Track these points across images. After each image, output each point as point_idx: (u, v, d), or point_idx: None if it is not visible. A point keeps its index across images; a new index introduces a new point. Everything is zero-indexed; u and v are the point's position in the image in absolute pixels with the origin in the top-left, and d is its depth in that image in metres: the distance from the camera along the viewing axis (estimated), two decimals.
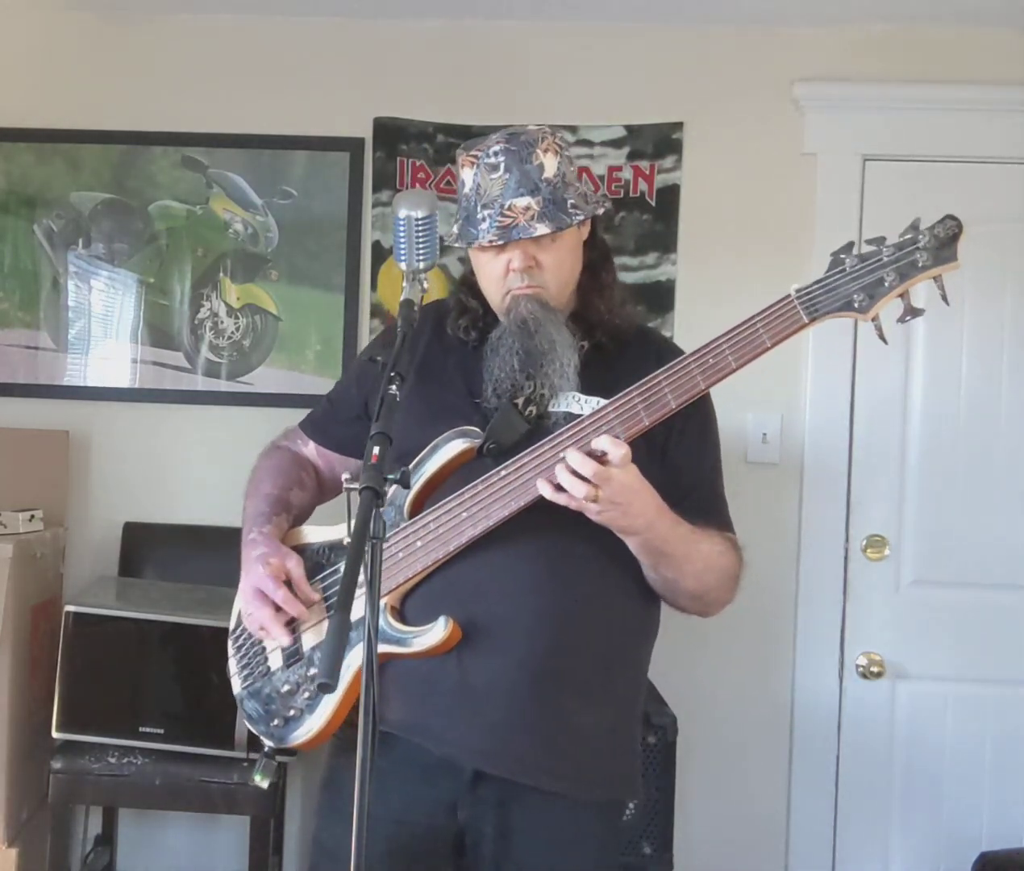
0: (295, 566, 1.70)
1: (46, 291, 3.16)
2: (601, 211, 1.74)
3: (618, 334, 1.75)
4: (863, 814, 3.06)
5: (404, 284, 1.57)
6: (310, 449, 1.93)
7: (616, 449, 1.52)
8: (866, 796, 3.06)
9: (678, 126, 3.09)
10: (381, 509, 1.29)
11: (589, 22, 3.08)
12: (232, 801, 2.63)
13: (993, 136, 3.01)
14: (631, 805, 2.57)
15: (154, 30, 3.15)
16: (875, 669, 3.04)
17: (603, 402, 1.61)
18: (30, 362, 3.15)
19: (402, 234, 1.56)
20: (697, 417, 1.71)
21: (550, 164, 1.68)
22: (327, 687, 1.15)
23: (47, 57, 3.16)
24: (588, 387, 1.67)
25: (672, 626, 2.91)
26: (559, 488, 1.53)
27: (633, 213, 3.09)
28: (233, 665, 1.81)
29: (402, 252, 1.57)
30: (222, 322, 3.16)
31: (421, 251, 1.55)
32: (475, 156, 1.69)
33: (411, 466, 1.64)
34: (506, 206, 1.65)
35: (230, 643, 1.83)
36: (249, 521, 1.80)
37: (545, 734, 1.64)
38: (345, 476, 1.37)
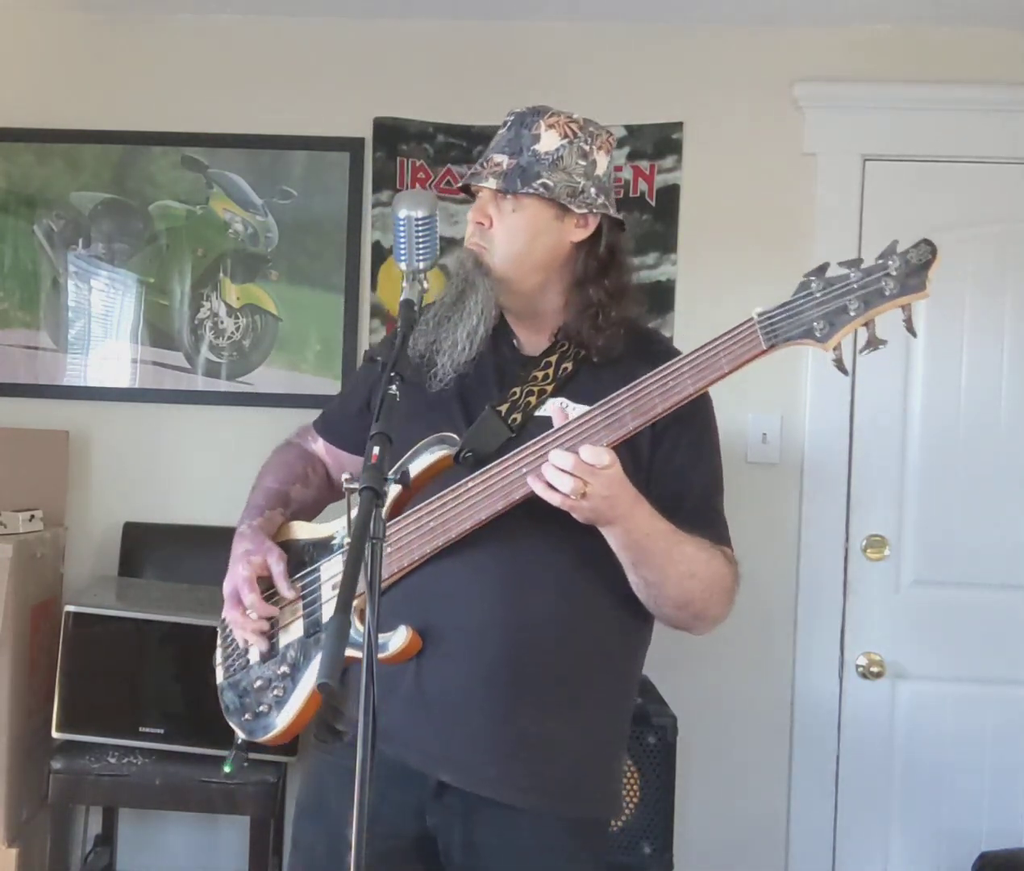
0: (275, 562, 1.70)
1: (46, 291, 3.16)
2: (582, 210, 1.65)
3: (604, 353, 1.68)
4: (863, 814, 3.06)
5: (404, 284, 1.57)
6: (319, 446, 1.93)
7: (594, 456, 1.49)
8: (866, 796, 3.06)
9: (678, 126, 3.09)
10: (381, 509, 1.28)
11: (589, 22, 3.09)
12: (232, 801, 2.63)
13: (993, 136, 3.01)
14: (632, 805, 2.57)
15: (154, 30, 3.15)
16: (875, 669, 3.04)
17: (570, 409, 1.60)
18: (30, 362, 3.16)
19: (402, 234, 1.56)
20: (693, 430, 1.67)
21: (549, 140, 1.66)
22: (326, 687, 1.14)
23: (47, 57, 3.16)
24: (575, 392, 1.65)
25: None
26: (550, 486, 1.51)
27: (633, 213, 3.09)
28: (219, 655, 1.83)
29: (402, 252, 1.56)
30: (222, 322, 3.16)
31: (421, 251, 1.55)
32: (508, 116, 1.74)
33: (392, 470, 1.60)
34: (488, 158, 1.69)
35: (219, 631, 1.85)
36: (245, 513, 1.81)
37: (501, 746, 1.61)
38: (345, 476, 1.37)
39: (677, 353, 1.75)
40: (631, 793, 2.62)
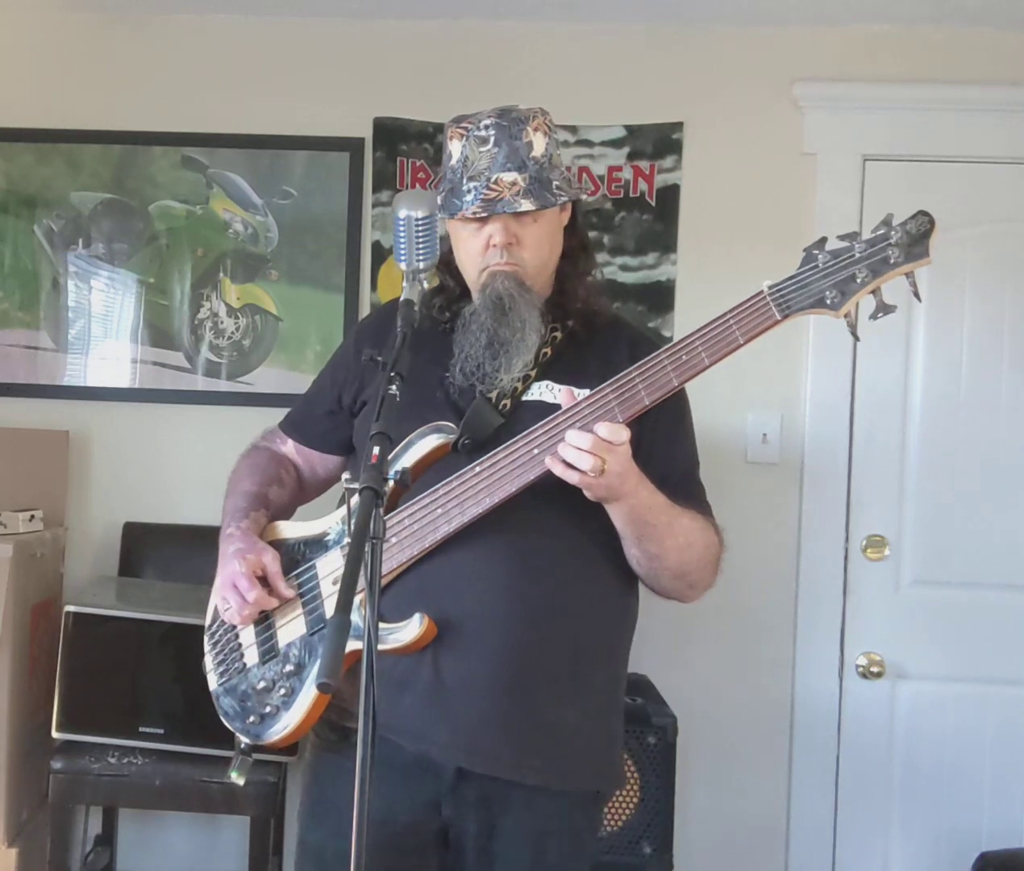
0: (271, 562, 1.71)
1: (46, 291, 3.16)
2: (584, 196, 1.74)
3: (592, 322, 1.76)
4: (863, 814, 3.06)
5: (404, 284, 1.57)
6: (288, 447, 1.93)
7: (612, 432, 1.53)
8: (866, 796, 3.06)
9: (678, 126, 3.09)
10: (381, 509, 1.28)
11: (589, 22, 3.08)
12: (232, 801, 2.63)
13: (993, 136, 3.01)
14: (632, 805, 2.57)
15: (154, 30, 3.15)
16: (875, 669, 3.04)
17: (575, 391, 1.63)
18: (30, 362, 3.15)
19: (402, 234, 1.56)
20: (670, 407, 1.70)
21: (539, 143, 1.69)
22: (327, 687, 1.14)
23: (47, 57, 3.16)
24: (559, 374, 1.69)
25: (672, 626, 2.94)
26: (568, 466, 1.53)
27: (633, 213, 3.09)
28: (209, 661, 1.80)
29: (402, 252, 1.57)
30: (222, 322, 3.16)
31: (421, 251, 1.55)
32: (465, 128, 1.70)
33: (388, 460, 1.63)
34: (492, 180, 1.66)
35: (206, 639, 1.82)
36: (227, 516, 1.82)
37: (521, 730, 1.63)
38: (345, 476, 1.37)
39: (648, 336, 1.89)
40: (631, 793, 2.62)
